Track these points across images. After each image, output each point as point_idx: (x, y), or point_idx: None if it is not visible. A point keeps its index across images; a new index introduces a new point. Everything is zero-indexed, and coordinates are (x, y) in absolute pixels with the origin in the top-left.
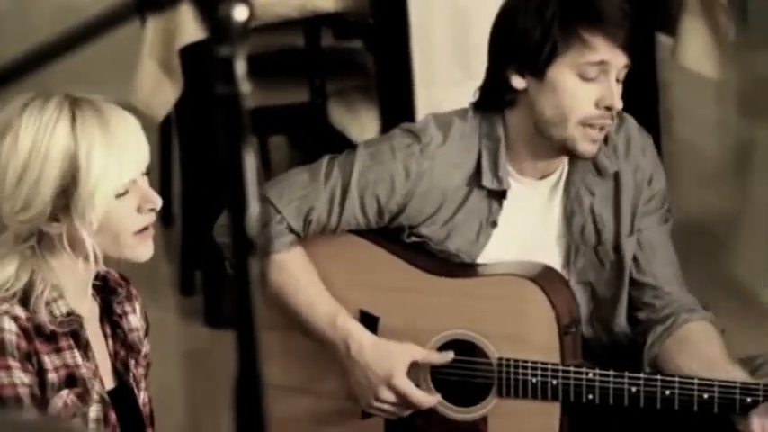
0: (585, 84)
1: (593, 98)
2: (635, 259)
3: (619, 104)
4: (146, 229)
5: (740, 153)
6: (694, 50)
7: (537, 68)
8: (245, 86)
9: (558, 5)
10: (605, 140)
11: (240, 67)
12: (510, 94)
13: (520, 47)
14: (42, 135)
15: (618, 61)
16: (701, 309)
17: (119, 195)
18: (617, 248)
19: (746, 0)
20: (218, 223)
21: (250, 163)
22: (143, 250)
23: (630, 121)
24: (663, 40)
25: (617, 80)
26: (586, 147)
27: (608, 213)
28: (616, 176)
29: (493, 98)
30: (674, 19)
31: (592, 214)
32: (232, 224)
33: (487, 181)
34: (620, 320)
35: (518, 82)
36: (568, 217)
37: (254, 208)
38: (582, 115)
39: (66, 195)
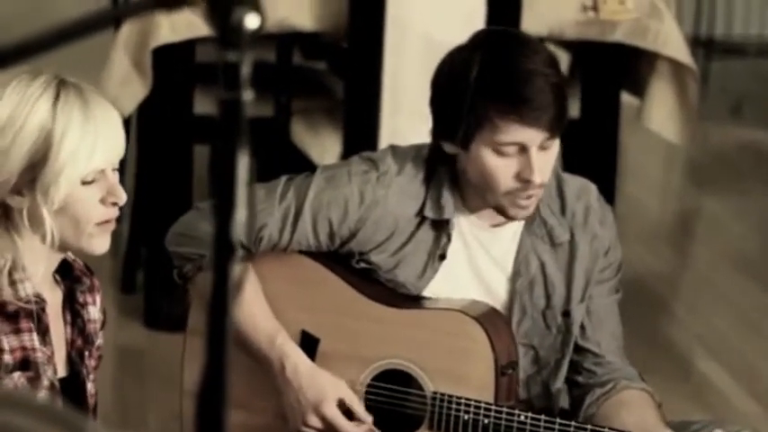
0: (503, 159)
1: (512, 172)
2: (581, 325)
3: (538, 178)
4: (107, 222)
5: (684, 219)
6: (661, 114)
7: (460, 141)
8: (247, 93)
9: (473, 82)
10: (562, 210)
11: (245, 73)
12: (446, 154)
13: (444, 116)
14: (23, 106)
15: (534, 138)
16: (641, 380)
17: (85, 182)
18: (566, 314)
19: (708, 73)
20: (173, 231)
21: (243, 169)
22: (100, 242)
23: (592, 190)
24: (626, 100)
25: (543, 148)
26: (516, 212)
27: (560, 279)
28: (571, 244)
29: (435, 155)
30: (642, 81)
31: (543, 277)
32: (217, 227)
33: (429, 211)
34: (559, 383)
35: (449, 148)
36: (514, 276)
37: (241, 214)
38: (504, 189)
39: (34, 170)
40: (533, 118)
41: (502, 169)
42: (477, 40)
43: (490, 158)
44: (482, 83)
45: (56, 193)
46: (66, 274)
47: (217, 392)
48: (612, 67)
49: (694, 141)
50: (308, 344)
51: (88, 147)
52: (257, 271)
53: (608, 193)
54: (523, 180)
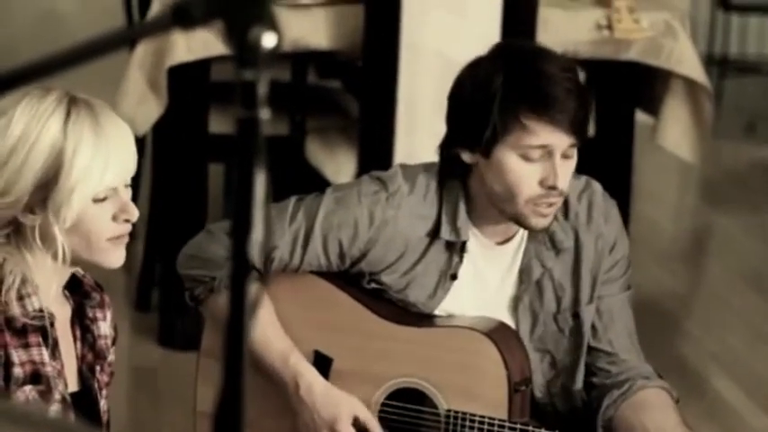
0: (529, 164)
1: (536, 178)
2: (592, 326)
3: (562, 185)
4: (119, 236)
5: (698, 237)
6: (675, 132)
7: (482, 147)
8: (264, 112)
9: (500, 88)
10: (565, 213)
11: (262, 92)
12: (462, 165)
13: (465, 125)
14: (35, 125)
15: (561, 143)
16: (657, 377)
17: (97, 200)
18: (576, 316)
19: (722, 91)
20: (184, 253)
21: (260, 188)
22: (115, 256)
23: (595, 186)
24: (640, 119)
25: (566, 157)
26: (537, 221)
27: (567, 281)
28: (576, 245)
29: (447, 167)
30: (656, 99)
31: (551, 282)
32: (234, 246)
33: (446, 233)
34: (578, 385)
35: (467, 157)
36: (518, 284)
37: (257, 233)
38: (527, 195)
39: (46, 189)
40: (560, 120)
41: (526, 174)
42: (497, 50)
43: (515, 164)
44: (510, 88)
45: (68, 211)
46: (76, 289)
47: (233, 413)
48: (627, 86)
49: (708, 160)
50: (322, 363)
51: (100, 165)
52: (269, 291)
53: (622, 211)
54: (547, 186)
